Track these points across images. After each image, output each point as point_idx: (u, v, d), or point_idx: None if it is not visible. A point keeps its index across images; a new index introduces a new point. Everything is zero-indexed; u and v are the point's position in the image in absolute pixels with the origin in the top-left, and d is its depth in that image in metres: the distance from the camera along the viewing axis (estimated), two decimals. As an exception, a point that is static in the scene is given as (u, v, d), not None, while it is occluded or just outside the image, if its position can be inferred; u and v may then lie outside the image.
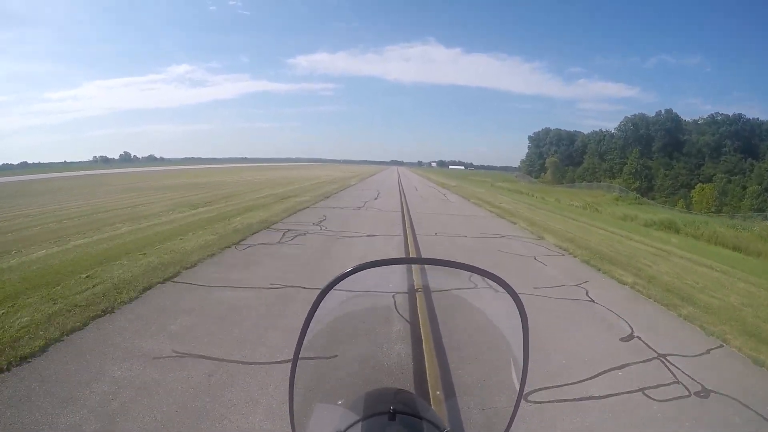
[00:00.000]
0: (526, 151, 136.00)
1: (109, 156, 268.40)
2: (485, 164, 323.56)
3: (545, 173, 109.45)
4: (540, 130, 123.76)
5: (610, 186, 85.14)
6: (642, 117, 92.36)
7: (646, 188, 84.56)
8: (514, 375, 0.87)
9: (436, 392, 3.50)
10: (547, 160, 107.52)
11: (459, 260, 0.86)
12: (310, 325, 0.82)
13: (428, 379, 3.89)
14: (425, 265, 0.91)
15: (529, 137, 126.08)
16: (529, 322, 0.80)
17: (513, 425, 0.85)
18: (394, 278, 0.90)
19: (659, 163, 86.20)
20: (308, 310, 0.80)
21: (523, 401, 0.71)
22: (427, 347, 4.53)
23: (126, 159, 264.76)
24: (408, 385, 3.66)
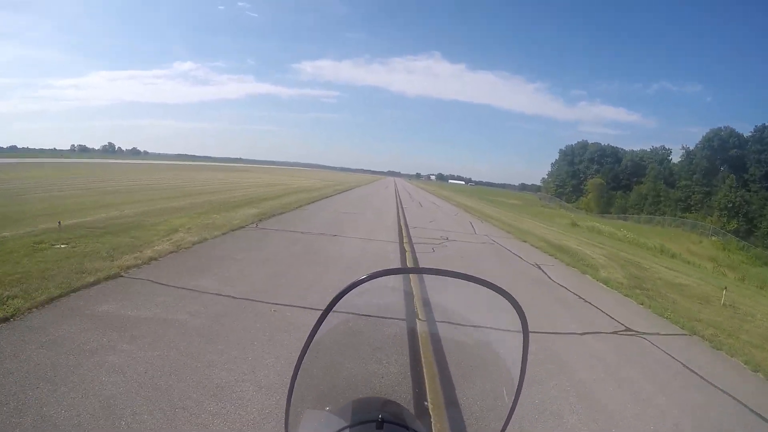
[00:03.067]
0: (549, 168, 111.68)
1: (90, 146, 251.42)
2: (484, 180, 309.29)
3: (584, 197, 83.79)
4: (576, 143, 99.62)
5: (695, 224, 59.17)
6: (732, 133, 66.89)
7: (746, 231, 58.58)
8: (505, 391, 0.88)
9: (423, 403, 3.44)
10: (588, 181, 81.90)
11: None
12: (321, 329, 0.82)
13: (417, 389, 3.71)
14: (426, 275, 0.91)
15: (561, 151, 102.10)
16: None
17: None
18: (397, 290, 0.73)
19: (762, 196, 60.32)
20: (314, 322, 0.80)
21: None
22: (426, 359, 4.24)
23: (109, 150, 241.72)
24: (396, 394, 3.50)
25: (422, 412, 3.34)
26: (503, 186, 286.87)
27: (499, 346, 0.91)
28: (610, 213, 77.81)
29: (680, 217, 65.82)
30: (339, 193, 31.19)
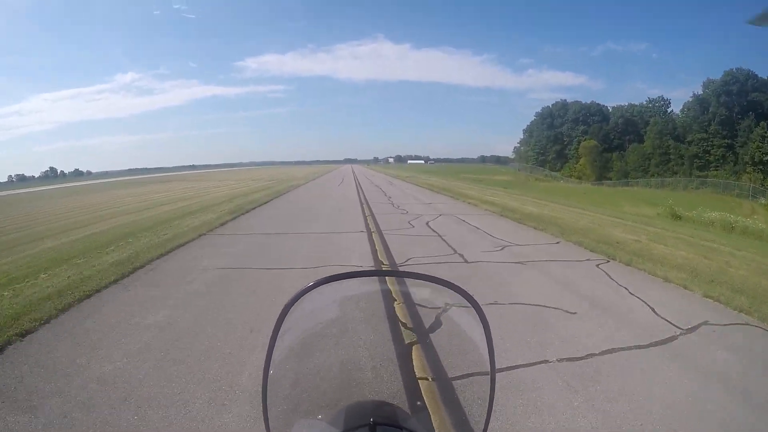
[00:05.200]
0: (514, 137, 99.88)
1: (29, 174, 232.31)
2: (442, 157, 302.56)
3: (573, 163, 71.61)
4: (553, 104, 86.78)
5: (726, 185, 47.57)
6: (750, 75, 55.26)
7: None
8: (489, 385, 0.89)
9: (416, 402, 3.23)
10: (580, 144, 69.25)
11: None
12: (282, 340, 0.82)
13: (409, 388, 3.49)
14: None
15: (537, 114, 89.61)
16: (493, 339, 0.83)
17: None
18: (363, 286, 0.92)
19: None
20: (273, 326, 0.81)
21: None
22: (417, 357, 3.98)
23: (49, 176, 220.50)
24: (389, 395, 3.41)
25: (416, 411, 2.76)
26: (462, 161, 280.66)
27: (474, 342, 0.90)
28: (609, 178, 65.98)
29: (699, 177, 54.17)
30: (273, 199, 19.52)
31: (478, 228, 10.36)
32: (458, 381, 3.50)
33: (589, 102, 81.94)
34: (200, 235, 9.38)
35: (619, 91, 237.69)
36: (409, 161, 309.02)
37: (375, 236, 9.36)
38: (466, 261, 7.01)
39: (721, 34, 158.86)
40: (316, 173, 62.31)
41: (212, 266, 6.72)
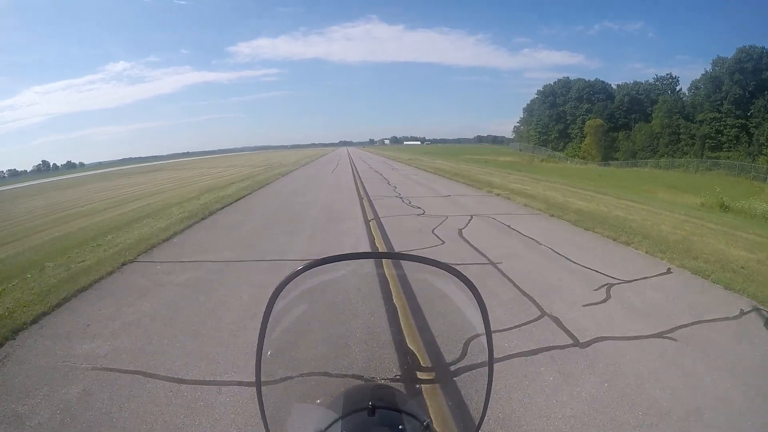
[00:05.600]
0: (512, 116, 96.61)
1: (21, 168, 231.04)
2: (438, 138, 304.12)
3: (577, 142, 68.57)
4: (555, 81, 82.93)
5: (743, 167, 44.90)
6: (764, 53, 51.97)
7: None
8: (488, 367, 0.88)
9: (416, 385, 3.23)
10: (586, 123, 65.81)
11: None
12: (275, 324, 0.81)
13: (408, 371, 3.42)
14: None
15: (539, 92, 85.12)
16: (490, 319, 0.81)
17: (486, 415, 0.87)
18: (358, 268, 0.90)
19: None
20: (263, 311, 0.78)
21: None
22: (410, 339, 3.85)
23: (42, 170, 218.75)
24: (386, 379, 3.29)
25: (416, 393, 2.84)
26: (459, 141, 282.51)
27: (472, 324, 0.86)
28: (615, 158, 62.93)
29: (711, 158, 51.26)
30: (250, 193, 16.21)
31: (538, 242, 7.19)
32: (455, 365, 3.37)
33: (593, 80, 78.21)
34: (121, 265, 6.14)
35: (617, 70, 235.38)
36: (405, 142, 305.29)
37: (388, 271, 6.15)
38: (575, 342, 3.78)
39: (721, 14, 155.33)
40: (308, 157, 58.64)
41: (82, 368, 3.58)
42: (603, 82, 77.56)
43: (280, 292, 0.78)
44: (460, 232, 7.94)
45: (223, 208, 12.15)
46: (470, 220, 9.07)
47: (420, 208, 10.74)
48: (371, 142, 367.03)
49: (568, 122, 76.29)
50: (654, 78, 69.17)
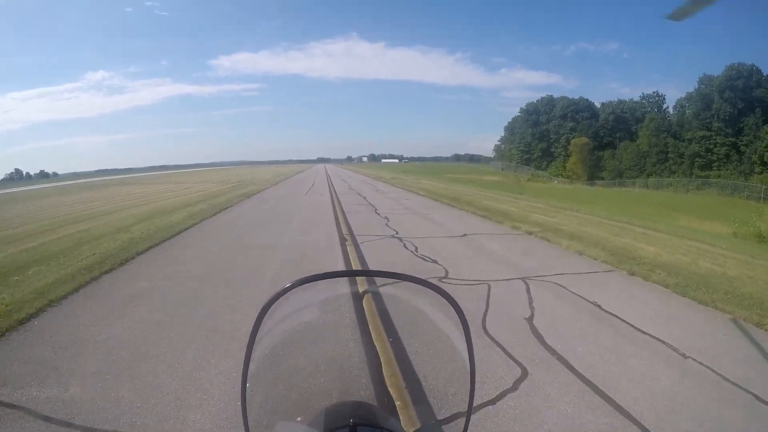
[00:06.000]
0: (489, 134, 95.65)
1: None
2: (416, 156, 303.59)
3: (559, 161, 67.00)
4: (539, 99, 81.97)
5: (735, 186, 43.57)
6: (753, 70, 51.54)
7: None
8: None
9: (397, 402, 3.11)
10: (571, 141, 64.35)
11: None
12: (260, 342, 0.82)
13: (388, 388, 3.30)
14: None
15: (522, 110, 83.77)
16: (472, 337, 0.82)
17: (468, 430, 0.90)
18: (340, 287, 0.91)
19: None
20: (251, 329, 0.79)
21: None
22: (384, 357, 3.80)
23: (14, 178, 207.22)
24: (369, 396, 3.24)
25: (395, 411, 2.96)
26: (436, 159, 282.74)
27: (451, 340, 0.89)
28: (601, 177, 61.18)
29: (701, 177, 49.76)
30: (197, 223, 12.46)
31: (684, 354, 3.79)
32: (435, 380, 3.35)
33: (577, 98, 77.22)
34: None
35: (593, 90, 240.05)
36: (383, 160, 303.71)
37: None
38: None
39: (697, 34, 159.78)
40: (283, 174, 54.76)
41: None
42: (587, 100, 76.64)
43: (267, 310, 0.79)
44: (531, 326, 4.45)
45: (147, 250, 8.45)
46: (528, 291, 5.58)
47: (435, 261, 7.20)
48: (349, 159, 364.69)
49: (552, 140, 74.76)
50: (640, 96, 68.35)
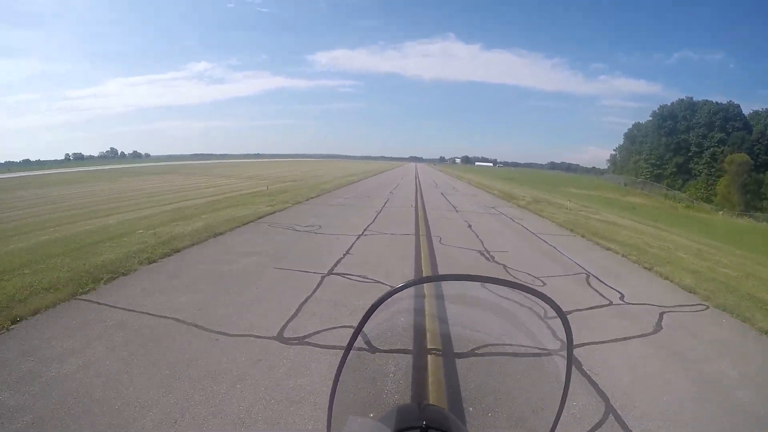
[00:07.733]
0: (621, 142, 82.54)
1: (87, 153, 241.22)
2: (509, 161, 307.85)
3: (714, 182, 53.94)
4: (673, 102, 67.92)
5: None
6: None
7: None
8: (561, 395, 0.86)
9: (469, 408, 3.14)
10: (727, 158, 51.44)
11: None
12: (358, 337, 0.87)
13: (461, 394, 3.36)
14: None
15: (654, 113, 70.81)
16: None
17: None
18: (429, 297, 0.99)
19: None
20: (356, 326, 0.84)
21: None
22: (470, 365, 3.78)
23: (108, 156, 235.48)
24: (440, 400, 3.25)
25: (466, 418, 3.00)
26: (530, 165, 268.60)
27: (541, 349, 1.14)
28: (761, 209, 47.51)
29: None
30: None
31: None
32: (516, 389, 3.36)
33: (725, 102, 62.56)
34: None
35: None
36: (476, 163, 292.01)
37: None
38: None
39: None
40: (366, 172, 49.20)
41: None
42: (738, 106, 61.80)
43: (376, 308, 0.81)
44: None
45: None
46: None
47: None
48: (442, 159, 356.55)
49: (691, 154, 61.26)
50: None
